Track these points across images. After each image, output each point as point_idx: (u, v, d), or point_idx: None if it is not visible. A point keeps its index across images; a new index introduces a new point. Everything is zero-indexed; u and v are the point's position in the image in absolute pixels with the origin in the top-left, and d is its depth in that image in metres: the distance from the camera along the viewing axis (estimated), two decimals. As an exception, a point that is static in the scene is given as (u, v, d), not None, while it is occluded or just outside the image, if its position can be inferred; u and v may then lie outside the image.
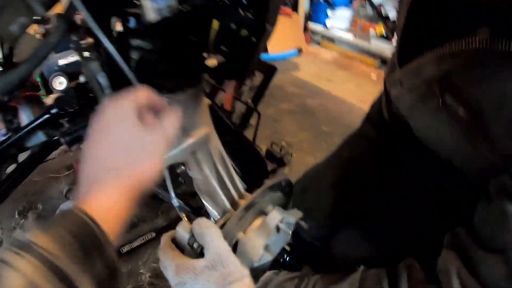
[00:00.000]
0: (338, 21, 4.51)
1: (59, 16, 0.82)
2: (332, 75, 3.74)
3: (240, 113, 1.67)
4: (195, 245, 0.66)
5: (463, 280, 0.55)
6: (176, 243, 0.69)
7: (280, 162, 1.92)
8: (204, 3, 0.98)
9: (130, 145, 0.51)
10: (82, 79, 1.26)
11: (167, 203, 1.74)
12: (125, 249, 1.51)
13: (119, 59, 0.64)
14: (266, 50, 3.56)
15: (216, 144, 0.77)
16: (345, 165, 1.06)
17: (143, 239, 1.56)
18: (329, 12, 4.60)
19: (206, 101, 0.75)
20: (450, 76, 0.60)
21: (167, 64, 0.69)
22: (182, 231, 0.68)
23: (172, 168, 0.89)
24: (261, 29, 1.13)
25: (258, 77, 1.68)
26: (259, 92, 1.65)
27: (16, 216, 1.92)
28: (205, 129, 0.72)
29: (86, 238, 0.41)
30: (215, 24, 0.97)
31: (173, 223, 1.63)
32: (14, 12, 0.81)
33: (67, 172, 2.18)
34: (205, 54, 0.94)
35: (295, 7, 4.70)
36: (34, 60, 0.86)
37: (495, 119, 0.54)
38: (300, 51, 4.37)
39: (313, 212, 1.02)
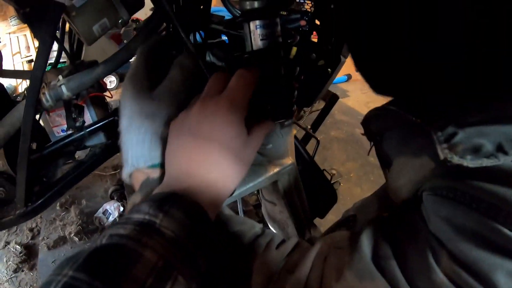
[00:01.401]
0: (391, 50, 4.46)
1: (146, 23, 0.84)
2: (380, 104, 3.69)
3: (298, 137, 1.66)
4: None
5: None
6: None
7: (329, 190, 1.91)
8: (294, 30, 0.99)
9: (233, 150, 0.49)
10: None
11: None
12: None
13: (205, 69, 0.64)
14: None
15: (296, 175, 0.75)
16: (387, 194, 1.05)
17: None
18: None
19: (294, 131, 0.74)
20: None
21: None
22: None
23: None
24: (337, 60, 1.13)
25: (318, 104, 1.67)
26: (319, 119, 1.64)
27: (58, 208, 1.97)
28: (290, 159, 0.71)
29: (199, 222, 0.43)
30: (293, 50, 0.98)
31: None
32: (100, 12, 0.86)
33: (113, 172, 2.23)
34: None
35: (347, 33, 4.70)
36: (113, 63, 0.88)
37: None
38: (349, 77, 4.36)
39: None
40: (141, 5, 0.91)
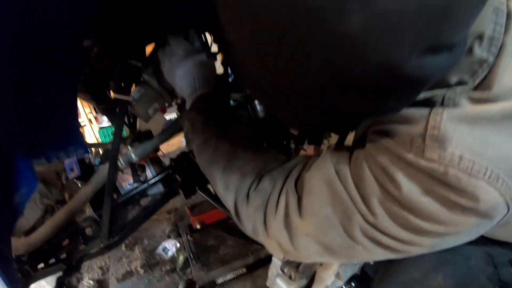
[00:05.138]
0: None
1: (182, 104, 1.16)
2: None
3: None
4: None
5: None
6: None
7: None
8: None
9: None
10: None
11: (256, 244, 1.95)
12: (220, 280, 1.79)
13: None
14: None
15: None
16: None
17: (235, 273, 1.81)
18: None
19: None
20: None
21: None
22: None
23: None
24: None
25: (334, 137, 1.92)
26: (335, 151, 1.89)
27: (123, 248, 2.25)
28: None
29: None
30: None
31: (261, 261, 1.89)
32: (151, 100, 1.17)
33: (168, 216, 2.53)
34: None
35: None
36: (166, 135, 1.21)
37: None
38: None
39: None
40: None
